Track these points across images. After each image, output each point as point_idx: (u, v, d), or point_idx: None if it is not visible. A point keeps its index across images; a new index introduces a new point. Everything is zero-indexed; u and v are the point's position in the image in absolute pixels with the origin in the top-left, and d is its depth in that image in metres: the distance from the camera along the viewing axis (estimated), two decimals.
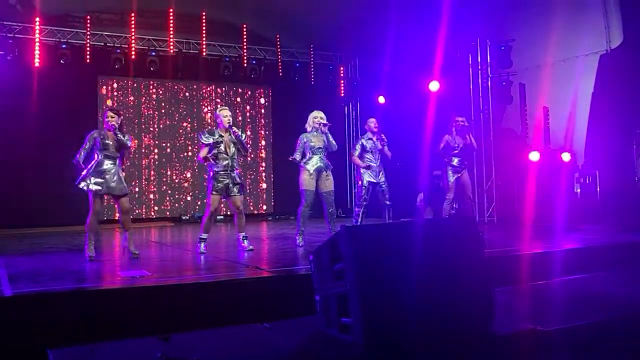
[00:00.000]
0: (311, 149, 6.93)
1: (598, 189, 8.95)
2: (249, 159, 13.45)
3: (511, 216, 9.89)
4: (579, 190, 9.09)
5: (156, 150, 12.82)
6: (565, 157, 9.06)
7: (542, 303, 4.50)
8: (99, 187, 5.90)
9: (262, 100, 13.91)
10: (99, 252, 6.88)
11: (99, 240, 7.59)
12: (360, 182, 7.63)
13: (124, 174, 6.31)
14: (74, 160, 5.97)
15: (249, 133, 13.52)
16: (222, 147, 6.38)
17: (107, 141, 6.02)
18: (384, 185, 7.56)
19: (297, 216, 7.07)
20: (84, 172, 5.94)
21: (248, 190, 13.40)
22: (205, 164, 6.52)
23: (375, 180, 7.51)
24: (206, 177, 6.62)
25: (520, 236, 7.88)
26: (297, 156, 6.96)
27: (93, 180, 5.89)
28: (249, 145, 13.01)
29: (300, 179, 6.95)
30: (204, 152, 6.41)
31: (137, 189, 12.54)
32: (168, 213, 12.85)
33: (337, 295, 3.34)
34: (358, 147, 7.64)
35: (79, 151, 6.00)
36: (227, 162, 6.37)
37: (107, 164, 5.99)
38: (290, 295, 4.41)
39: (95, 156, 5.99)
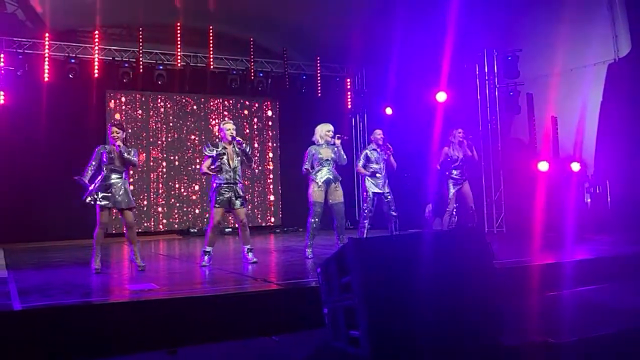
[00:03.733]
0: (319, 161, 6.94)
1: (609, 199, 8.88)
2: (256, 170, 13.49)
3: (521, 227, 9.82)
4: (589, 200, 9.02)
5: (164, 164, 12.87)
6: (575, 166, 9.01)
7: (553, 315, 4.45)
8: (107, 202, 5.97)
9: (269, 113, 13.96)
10: (107, 265, 6.91)
11: (106, 253, 7.60)
12: (365, 194, 7.65)
13: (131, 187, 6.35)
14: (75, 177, 5.95)
15: (256, 145, 13.56)
16: (225, 159, 6.41)
17: (112, 155, 6.07)
18: (389, 196, 7.58)
19: (307, 228, 7.06)
20: (91, 187, 5.99)
21: (256, 203, 13.43)
22: (204, 177, 6.57)
23: (380, 191, 7.53)
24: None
25: (529, 247, 7.82)
26: (308, 166, 6.98)
27: (100, 194, 5.97)
28: (256, 158, 13.23)
29: (309, 191, 6.96)
30: (206, 164, 6.49)
31: (145, 202, 12.58)
32: (176, 226, 12.87)
33: (345, 308, 3.32)
34: (362, 157, 7.68)
35: (85, 169, 6.05)
36: (229, 174, 6.40)
37: (114, 178, 6.05)
38: (299, 308, 4.39)
39: (102, 171, 6.04)
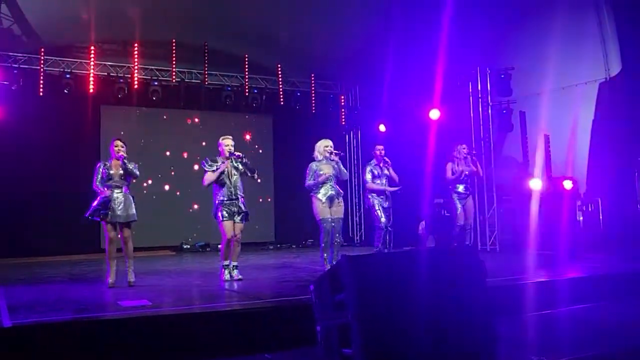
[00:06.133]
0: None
1: (601, 217, 8.91)
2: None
3: (513, 244, 9.84)
4: (581, 218, 9.06)
5: (158, 179, 12.83)
6: (567, 184, 9.05)
7: (546, 334, 4.44)
8: (104, 215, 6.07)
9: (264, 129, 13.97)
10: (98, 281, 6.88)
11: (100, 268, 7.54)
12: (374, 209, 7.69)
13: (134, 203, 6.40)
14: (94, 187, 6.18)
15: (249, 159, 13.52)
16: (225, 174, 6.42)
17: (111, 172, 6.14)
18: (389, 211, 7.64)
19: (320, 246, 7.11)
20: (93, 204, 6.07)
21: (250, 219, 13.37)
22: (208, 187, 6.56)
23: (385, 205, 7.60)
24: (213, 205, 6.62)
25: (522, 265, 7.83)
26: (311, 181, 6.99)
27: (100, 209, 6.08)
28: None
29: (315, 209, 6.98)
30: (208, 177, 6.44)
31: (138, 218, 12.49)
32: (169, 242, 12.79)
33: (338, 326, 3.30)
34: (369, 174, 7.76)
35: (94, 182, 6.21)
36: (230, 190, 6.41)
37: (114, 193, 6.12)
38: (292, 325, 4.37)
39: (104, 187, 6.10)
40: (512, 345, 3.83)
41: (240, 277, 6.48)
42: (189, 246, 12.57)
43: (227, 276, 6.44)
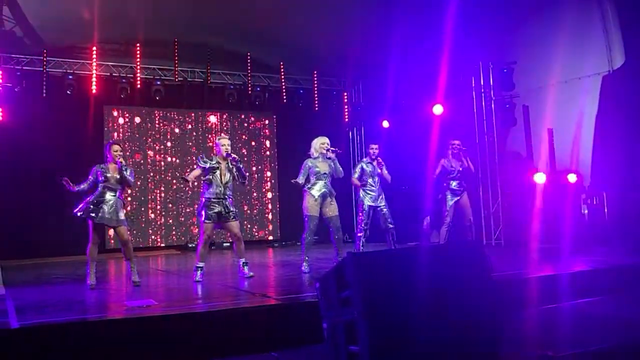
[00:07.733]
0: (316, 175, 6.93)
1: (605, 210, 8.88)
2: (253, 184, 13.48)
3: (518, 239, 9.82)
4: (586, 212, 9.03)
5: (162, 178, 12.86)
6: (572, 178, 9.02)
7: (551, 328, 4.44)
8: (94, 215, 6.06)
9: (267, 127, 13.98)
10: (106, 281, 6.90)
11: (105, 269, 7.58)
12: (361, 207, 7.67)
13: (124, 209, 6.41)
14: (71, 189, 6.12)
15: (253, 159, 13.57)
16: (217, 173, 6.41)
17: (108, 174, 6.17)
18: (384, 209, 7.59)
19: (302, 242, 7.05)
20: (83, 203, 6.08)
21: (253, 217, 13.44)
22: (184, 183, 6.58)
23: (374, 204, 7.54)
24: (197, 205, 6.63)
25: (527, 259, 7.82)
26: (301, 180, 6.98)
27: (91, 208, 6.07)
28: (253, 170, 13.28)
29: (305, 205, 6.95)
30: (194, 173, 6.50)
31: (143, 218, 12.55)
32: (174, 241, 12.83)
33: (344, 322, 3.31)
34: (358, 169, 7.71)
35: (81, 182, 6.20)
36: (219, 189, 6.38)
37: (108, 195, 6.16)
38: (298, 323, 4.38)
39: (98, 188, 6.13)
40: (517, 339, 3.83)
41: (251, 274, 6.49)
42: (194, 245, 12.60)
43: (198, 278, 6.35)
